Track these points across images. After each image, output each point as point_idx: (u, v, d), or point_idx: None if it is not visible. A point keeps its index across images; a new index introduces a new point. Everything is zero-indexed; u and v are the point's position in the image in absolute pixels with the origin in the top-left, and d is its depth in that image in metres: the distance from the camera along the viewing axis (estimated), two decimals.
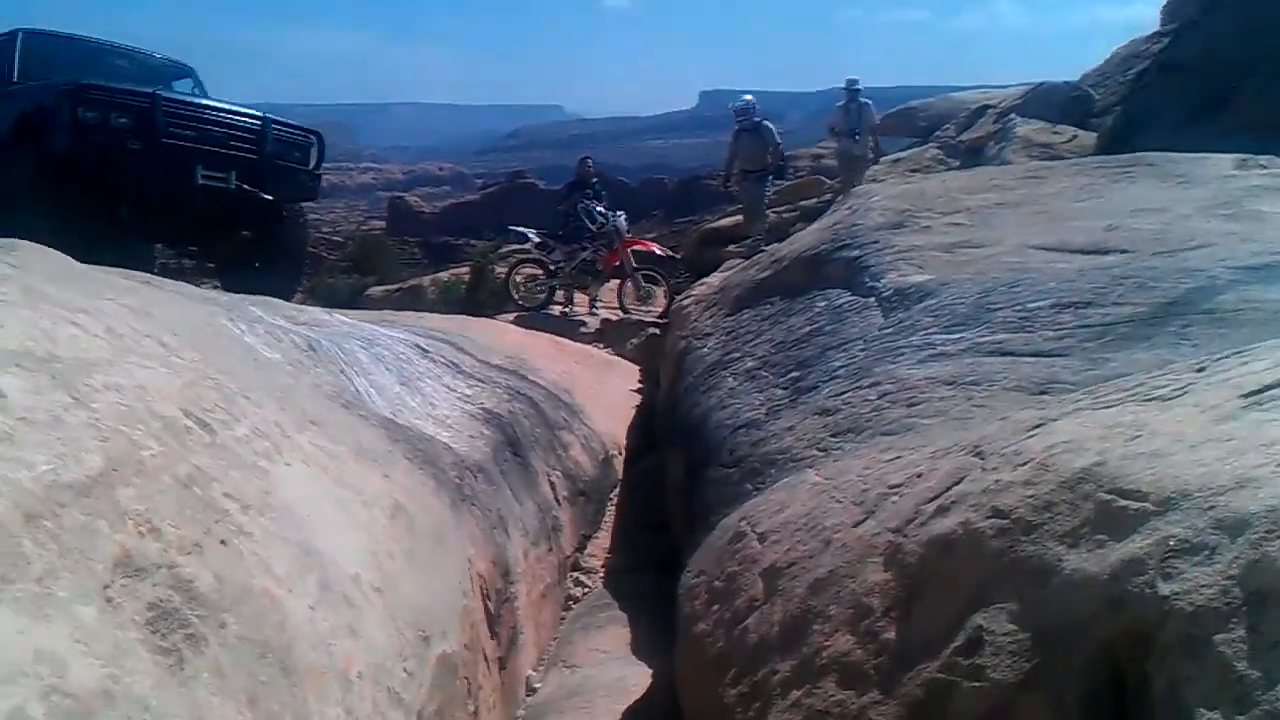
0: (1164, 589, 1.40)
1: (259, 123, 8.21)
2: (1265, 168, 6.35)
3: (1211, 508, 1.44)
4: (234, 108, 8.32)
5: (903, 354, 4.30)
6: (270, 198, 8.15)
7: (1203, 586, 1.34)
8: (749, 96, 14.22)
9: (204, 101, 8.20)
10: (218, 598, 1.70)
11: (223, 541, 1.85)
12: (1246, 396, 1.77)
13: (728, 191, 16.54)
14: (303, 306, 5.99)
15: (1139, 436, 1.79)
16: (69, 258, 3.30)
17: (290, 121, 8.77)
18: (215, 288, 7.35)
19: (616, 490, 6.66)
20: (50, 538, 1.45)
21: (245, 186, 7.89)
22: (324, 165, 9.26)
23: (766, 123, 13.79)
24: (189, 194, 7.71)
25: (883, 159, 20.89)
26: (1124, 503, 1.60)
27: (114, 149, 7.28)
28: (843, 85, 15.46)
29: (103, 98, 7.35)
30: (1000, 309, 4.31)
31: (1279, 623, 1.24)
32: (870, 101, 15.49)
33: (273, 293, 7.79)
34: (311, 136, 8.89)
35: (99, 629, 1.42)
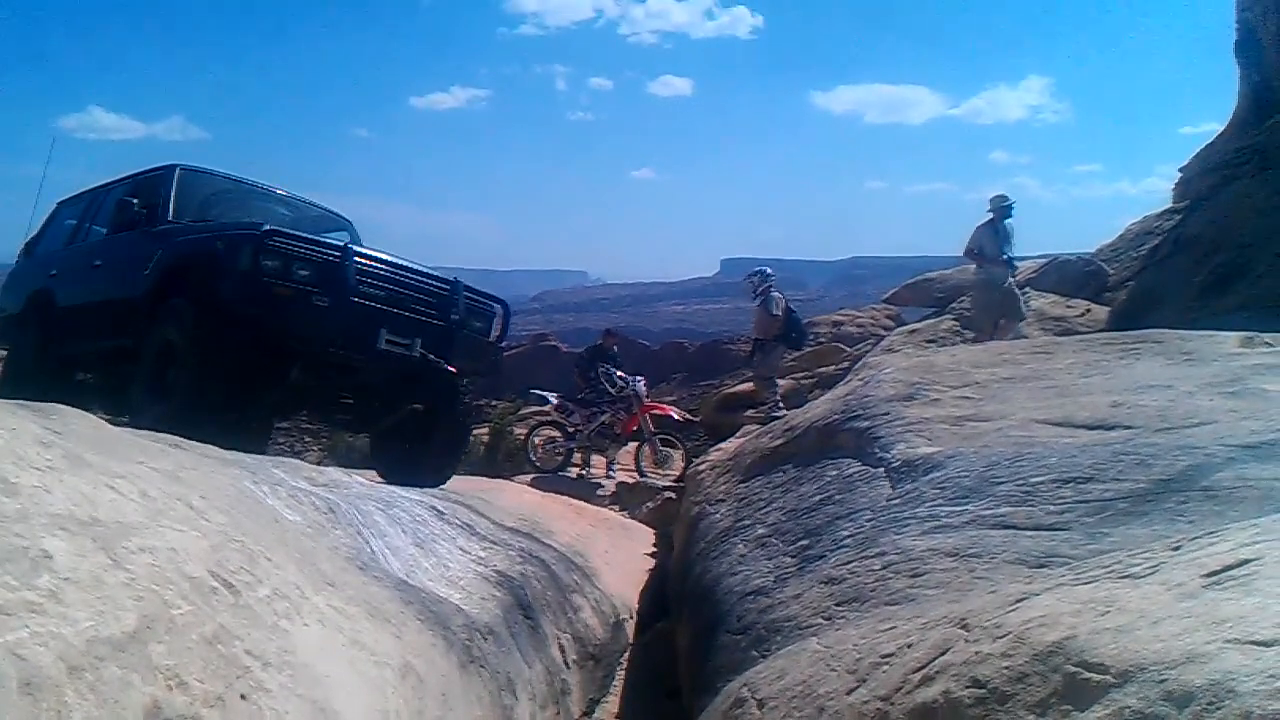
0: None
1: (449, 287, 7.26)
2: (1270, 345, 6.47)
3: (1163, 681, 1.54)
4: (422, 268, 7.37)
5: (908, 525, 4.39)
6: (454, 370, 7.19)
7: None
8: (768, 269, 14.29)
9: (392, 259, 7.16)
10: None
11: (243, 696, 1.96)
12: (1208, 576, 1.88)
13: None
14: (323, 468, 6.07)
15: (1108, 612, 1.90)
16: (102, 421, 3.47)
17: (477, 288, 7.79)
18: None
19: (627, 654, 6.65)
20: (90, 688, 1.58)
21: (430, 356, 6.93)
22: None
23: (774, 293, 13.69)
24: (369, 359, 6.80)
25: (899, 329, 21.11)
26: (1088, 675, 1.70)
27: (297, 304, 6.33)
28: (988, 205, 13.30)
29: (286, 247, 6.42)
30: (1003, 483, 4.40)
31: None
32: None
33: (429, 473, 7.38)
34: (496, 305, 7.95)
35: None
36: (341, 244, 6.94)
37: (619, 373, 13.73)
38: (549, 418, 14.53)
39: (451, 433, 7.97)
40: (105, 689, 1.60)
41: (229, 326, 6.26)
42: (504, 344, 8.39)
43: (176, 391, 6.15)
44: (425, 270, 7.35)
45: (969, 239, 13.42)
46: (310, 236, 6.91)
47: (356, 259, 6.70)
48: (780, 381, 15.31)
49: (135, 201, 7.67)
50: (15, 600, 1.61)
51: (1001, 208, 13.24)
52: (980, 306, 13.98)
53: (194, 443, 4.45)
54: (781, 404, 13.69)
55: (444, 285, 7.27)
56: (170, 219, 7.55)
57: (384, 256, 7.11)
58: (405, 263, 7.22)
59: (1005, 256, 13.10)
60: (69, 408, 3.39)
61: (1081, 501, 3.98)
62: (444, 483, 7.57)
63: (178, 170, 7.99)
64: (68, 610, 1.69)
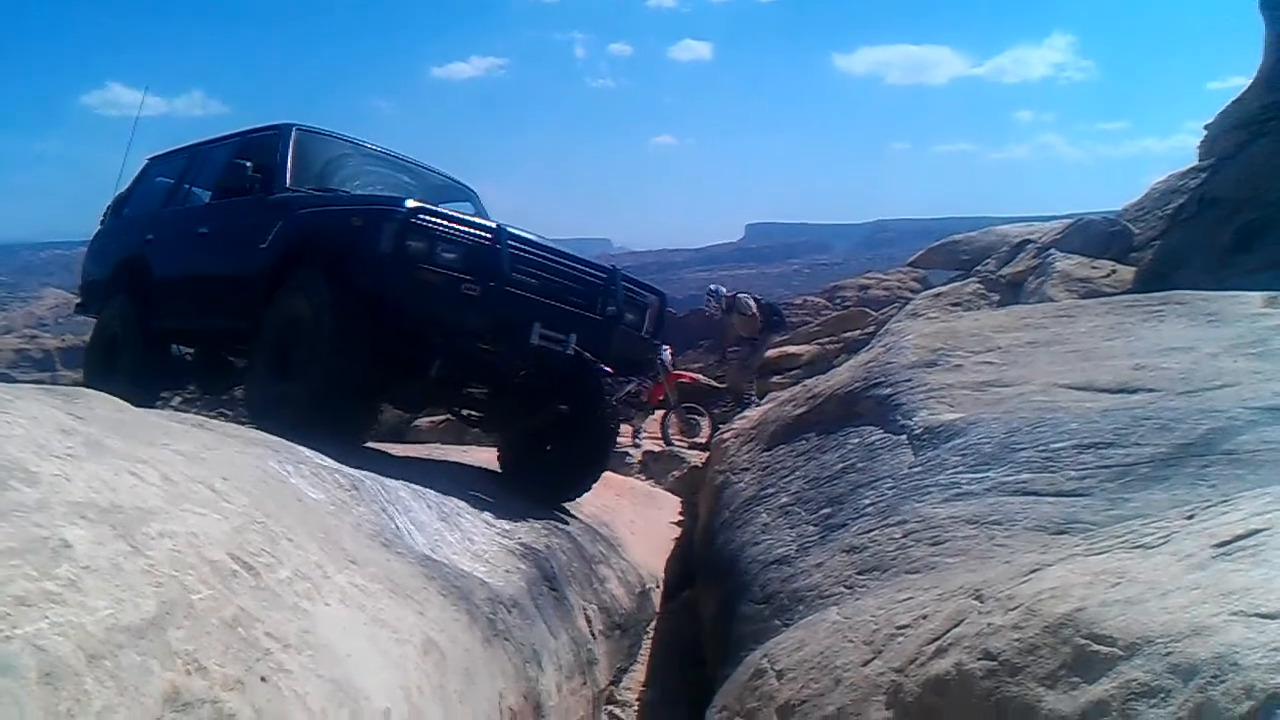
0: None
1: (606, 276, 6.46)
2: None
3: (1169, 654, 1.56)
4: (575, 254, 6.61)
5: (929, 493, 4.39)
6: (610, 370, 6.48)
7: None
8: (718, 287, 15.82)
9: (545, 242, 6.37)
10: None
11: (263, 679, 1.99)
12: (1218, 546, 1.89)
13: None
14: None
15: (1118, 584, 1.90)
16: (126, 403, 3.50)
17: (635, 277, 6.96)
18: None
19: (653, 623, 6.68)
20: (109, 676, 1.61)
21: (585, 354, 6.14)
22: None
23: (741, 295, 15.04)
24: (520, 356, 6.09)
25: (925, 293, 20.99)
26: (1097, 647, 1.72)
27: (445, 293, 5.62)
28: None
29: (434, 227, 5.68)
30: (1025, 449, 4.39)
31: None
32: None
33: (569, 483, 6.90)
34: (653, 296, 6.97)
35: None
36: (494, 225, 6.15)
37: None
38: None
39: (596, 439, 7.06)
40: (124, 676, 1.64)
41: (370, 306, 5.73)
42: (659, 341, 7.59)
43: (304, 372, 5.67)
44: (578, 256, 6.63)
45: None
46: (459, 215, 6.20)
47: (510, 242, 5.97)
48: (805, 348, 15.51)
49: (248, 165, 6.92)
50: (35, 591, 1.65)
51: None
52: None
53: (218, 422, 4.49)
54: (754, 396, 14.25)
55: (600, 273, 6.51)
56: (288, 186, 6.86)
57: (535, 239, 6.32)
58: (558, 247, 6.51)
59: None
60: (91, 390, 3.43)
61: (1103, 467, 3.97)
62: (582, 495, 7.14)
63: (294, 131, 7.29)
64: (87, 599, 1.72)
